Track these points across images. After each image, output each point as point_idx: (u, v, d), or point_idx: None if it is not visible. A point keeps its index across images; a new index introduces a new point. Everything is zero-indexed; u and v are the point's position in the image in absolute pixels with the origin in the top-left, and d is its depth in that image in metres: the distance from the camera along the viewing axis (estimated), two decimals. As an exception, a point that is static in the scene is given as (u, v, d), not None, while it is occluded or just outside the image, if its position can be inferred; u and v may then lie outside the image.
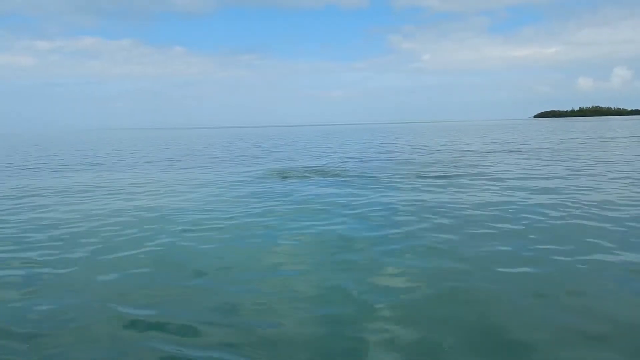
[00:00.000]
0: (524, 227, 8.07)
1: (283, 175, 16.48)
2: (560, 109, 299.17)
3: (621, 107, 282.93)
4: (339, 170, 17.40)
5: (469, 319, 4.70)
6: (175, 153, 32.75)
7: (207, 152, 32.84)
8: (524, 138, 41.84)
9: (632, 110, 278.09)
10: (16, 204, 11.73)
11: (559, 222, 8.43)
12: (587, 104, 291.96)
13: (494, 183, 13.24)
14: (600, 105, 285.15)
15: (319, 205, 10.57)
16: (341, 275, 5.98)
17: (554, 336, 4.29)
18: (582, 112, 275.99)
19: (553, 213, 9.07)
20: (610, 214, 8.87)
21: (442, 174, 15.70)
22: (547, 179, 13.87)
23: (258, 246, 7.49)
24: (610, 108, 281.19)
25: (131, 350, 4.30)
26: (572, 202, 10.02)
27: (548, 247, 6.91)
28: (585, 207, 9.54)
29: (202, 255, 7.03)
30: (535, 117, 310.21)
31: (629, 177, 13.78)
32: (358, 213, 9.62)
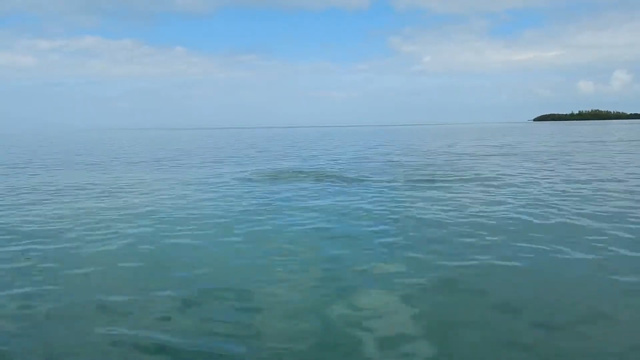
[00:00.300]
0: (508, 236, 7.89)
1: (271, 176, 16.33)
2: (560, 112, 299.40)
3: (620, 111, 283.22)
4: (329, 173, 17.23)
5: (449, 331, 4.53)
6: (169, 153, 32.58)
7: (201, 153, 32.70)
8: (521, 141, 41.74)
9: (631, 114, 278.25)
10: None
11: (544, 230, 8.26)
12: (587, 108, 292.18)
13: (484, 188, 13.08)
14: (600, 109, 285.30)
15: (302, 208, 10.39)
16: (317, 284, 5.82)
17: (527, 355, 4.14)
18: (582, 116, 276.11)
19: (538, 221, 8.91)
20: (598, 223, 8.71)
21: (432, 177, 15.53)
22: (539, 183, 13.70)
23: (234, 250, 7.33)
24: (610, 112, 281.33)
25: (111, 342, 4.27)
26: (559, 209, 9.86)
27: (529, 257, 6.77)
28: (574, 215, 9.39)
29: (179, 255, 6.88)
30: (534, 120, 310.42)
31: (621, 181, 13.63)
32: (339, 216, 9.44)
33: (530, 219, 8.94)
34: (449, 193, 12.14)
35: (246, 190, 13.31)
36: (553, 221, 8.75)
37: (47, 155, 31.28)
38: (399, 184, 14.15)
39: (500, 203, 10.64)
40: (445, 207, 10.19)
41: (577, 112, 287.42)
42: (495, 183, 13.89)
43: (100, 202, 11.64)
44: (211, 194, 12.67)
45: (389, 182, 14.57)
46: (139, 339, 4.43)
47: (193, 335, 4.50)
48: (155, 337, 4.46)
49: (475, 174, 16.20)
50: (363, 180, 14.98)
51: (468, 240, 7.56)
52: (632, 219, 8.73)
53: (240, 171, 18.65)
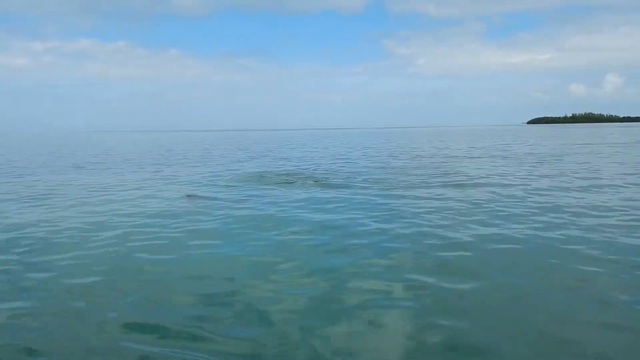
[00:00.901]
0: (478, 248, 7.63)
1: (254, 178, 16.02)
2: (554, 115, 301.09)
3: (613, 114, 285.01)
4: (312, 175, 16.94)
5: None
6: (156, 155, 32.25)
7: (187, 155, 32.39)
8: (511, 144, 41.62)
9: (624, 117, 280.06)
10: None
11: (519, 241, 8.00)
12: (580, 111, 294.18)
13: (463, 191, 12.82)
14: (593, 112, 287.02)
15: (275, 212, 10.09)
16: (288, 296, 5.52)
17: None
18: (575, 119, 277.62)
19: (512, 232, 8.66)
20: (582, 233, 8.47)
21: (415, 180, 15.27)
22: (522, 185, 13.46)
23: (199, 255, 7.04)
24: (603, 115, 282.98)
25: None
26: (538, 216, 9.61)
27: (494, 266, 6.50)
28: (553, 222, 9.14)
29: (146, 262, 6.59)
30: (528, 123, 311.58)
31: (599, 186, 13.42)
32: (308, 219, 9.13)
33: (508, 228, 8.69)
34: (425, 198, 11.86)
35: (218, 193, 12.99)
36: (523, 233, 8.48)
37: (26, 158, 30.80)
38: (378, 186, 13.85)
39: (472, 209, 10.37)
40: (420, 212, 9.91)
41: (571, 114, 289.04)
42: (473, 186, 13.64)
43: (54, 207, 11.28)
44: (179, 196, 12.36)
45: (368, 184, 14.27)
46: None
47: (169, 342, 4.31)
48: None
49: (457, 178, 15.95)
50: (342, 182, 14.72)
51: (438, 255, 7.29)
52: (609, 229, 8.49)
53: (219, 172, 18.34)
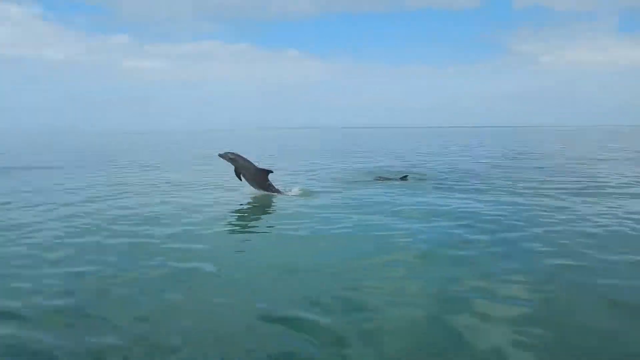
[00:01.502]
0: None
1: (341, 178, 14.58)
2: None
3: None
4: (409, 173, 15.02)
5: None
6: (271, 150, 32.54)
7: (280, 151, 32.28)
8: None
9: None
10: None
11: None
12: None
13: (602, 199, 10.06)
14: None
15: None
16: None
17: None
18: None
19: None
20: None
21: (538, 185, 12.70)
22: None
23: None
24: None
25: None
26: None
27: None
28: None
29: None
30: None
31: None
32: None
33: None
34: (556, 201, 9.70)
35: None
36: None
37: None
38: (500, 191, 11.55)
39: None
40: (553, 218, 8.14)
41: None
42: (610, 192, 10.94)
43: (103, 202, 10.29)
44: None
45: (493, 189, 11.96)
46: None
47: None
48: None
49: (596, 183, 12.94)
50: (449, 182, 13.18)
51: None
52: None
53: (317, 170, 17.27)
